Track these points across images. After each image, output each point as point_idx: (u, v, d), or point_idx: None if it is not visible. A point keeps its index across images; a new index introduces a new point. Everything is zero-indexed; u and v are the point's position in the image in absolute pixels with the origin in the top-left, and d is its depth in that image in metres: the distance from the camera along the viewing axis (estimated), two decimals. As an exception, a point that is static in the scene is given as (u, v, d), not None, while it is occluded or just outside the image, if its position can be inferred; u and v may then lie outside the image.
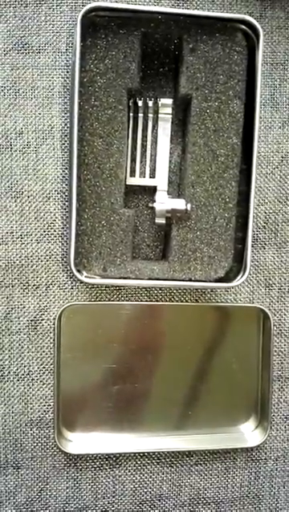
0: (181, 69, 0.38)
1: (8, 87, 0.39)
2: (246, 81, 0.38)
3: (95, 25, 0.36)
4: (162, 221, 0.39)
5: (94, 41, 0.37)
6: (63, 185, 0.40)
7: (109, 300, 0.41)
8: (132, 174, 0.40)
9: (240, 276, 0.38)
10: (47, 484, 0.42)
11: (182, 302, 0.42)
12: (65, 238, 0.40)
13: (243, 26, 0.37)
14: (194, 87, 0.38)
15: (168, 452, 0.42)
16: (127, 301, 0.41)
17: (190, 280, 0.39)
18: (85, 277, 0.38)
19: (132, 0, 0.40)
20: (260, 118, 0.41)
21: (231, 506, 0.44)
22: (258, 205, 0.42)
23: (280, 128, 0.42)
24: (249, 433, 0.43)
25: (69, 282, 0.41)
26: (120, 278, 0.38)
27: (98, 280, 0.38)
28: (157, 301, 0.42)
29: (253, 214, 0.38)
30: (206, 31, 0.37)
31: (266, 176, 0.42)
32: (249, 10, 0.41)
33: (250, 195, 0.38)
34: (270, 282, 0.43)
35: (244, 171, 0.39)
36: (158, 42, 0.38)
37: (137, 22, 0.37)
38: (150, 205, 0.41)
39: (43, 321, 0.41)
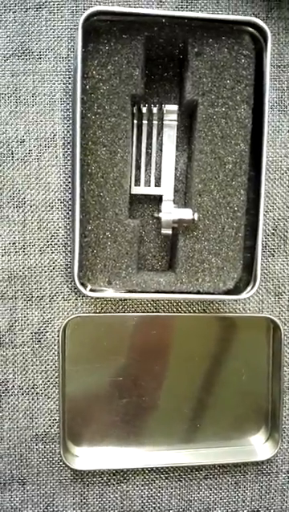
0: (186, 74, 0.37)
1: (9, 94, 0.39)
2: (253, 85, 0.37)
3: (97, 30, 0.36)
4: (168, 231, 0.38)
5: (96, 46, 0.36)
6: (66, 194, 0.39)
7: (115, 311, 0.41)
8: (137, 183, 0.39)
9: (250, 288, 0.38)
10: (54, 500, 0.41)
11: (189, 312, 0.41)
12: (69, 248, 0.40)
13: (250, 29, 0.37)
14: (200, 92, 0.37)
15: (176, 466, 0.41)
16: (133, 312, 0.41)
17: (198, 292, 0.38)
18: (89, 290, 0.37)
19: (134, 4, 0.39)
20: (267, 122, 0.39)
21: (242, 521, 0.43)
22: (266, 212, 0.41)
23: (288, 131, 0.41)
24: (259, 446, 0.42)
25: (73, 294, 0.40)
26: (125, 291, 0.37)
27: (103, 294, 0.37)
28: (164, 312, 0.41)
29: (262, 222, 0.37)
30: (212, 34, 0.36)
31: (275, 182, 0.41)
32: (255, 11, 0.40)
33: (260, 203, 0.37)
34: (280, 291, 0.42)
35: (252, 177, 0.38)
36: (162, 46, 0.37)
37: (140, 26, 0.36)
38: (156, 214, 0.40)
39: (47, 333, 0.40)
